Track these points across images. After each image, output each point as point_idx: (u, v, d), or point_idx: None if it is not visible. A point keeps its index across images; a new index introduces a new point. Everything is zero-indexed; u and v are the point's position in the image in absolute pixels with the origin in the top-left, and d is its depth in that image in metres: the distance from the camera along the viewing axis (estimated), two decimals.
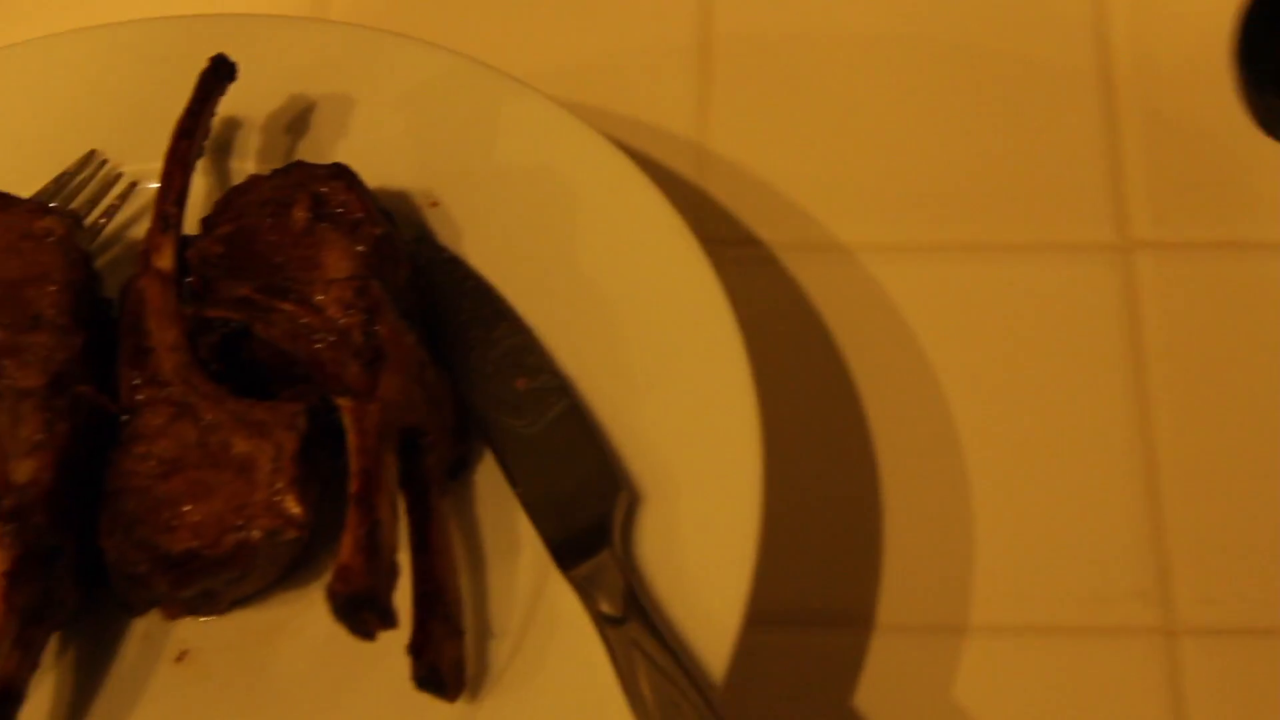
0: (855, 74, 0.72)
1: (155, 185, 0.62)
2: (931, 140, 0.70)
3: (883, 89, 0.72)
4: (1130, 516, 0.61)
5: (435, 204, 0.63)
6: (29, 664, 0.51)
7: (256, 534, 0.52)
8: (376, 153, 0.63)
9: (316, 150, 0.64)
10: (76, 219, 0.59)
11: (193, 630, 0.56)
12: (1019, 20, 0.73)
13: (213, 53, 0.64)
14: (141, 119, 0.65)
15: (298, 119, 0.65)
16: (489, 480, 0.58)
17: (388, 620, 0.50)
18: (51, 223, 0.57)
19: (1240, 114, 0.69)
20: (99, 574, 0.54)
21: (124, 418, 0.55)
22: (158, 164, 0.63)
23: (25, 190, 0.62)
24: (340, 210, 0.58)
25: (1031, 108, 0.71)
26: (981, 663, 0.59)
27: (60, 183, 0.65)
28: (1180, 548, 0.60)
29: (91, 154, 0.65)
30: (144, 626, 0.56)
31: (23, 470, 0.52)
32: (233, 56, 0.63)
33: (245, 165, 0.65)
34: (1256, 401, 0.63)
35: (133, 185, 0.65)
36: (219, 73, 0.61)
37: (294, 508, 0.52)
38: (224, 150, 0.65)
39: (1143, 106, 0.70)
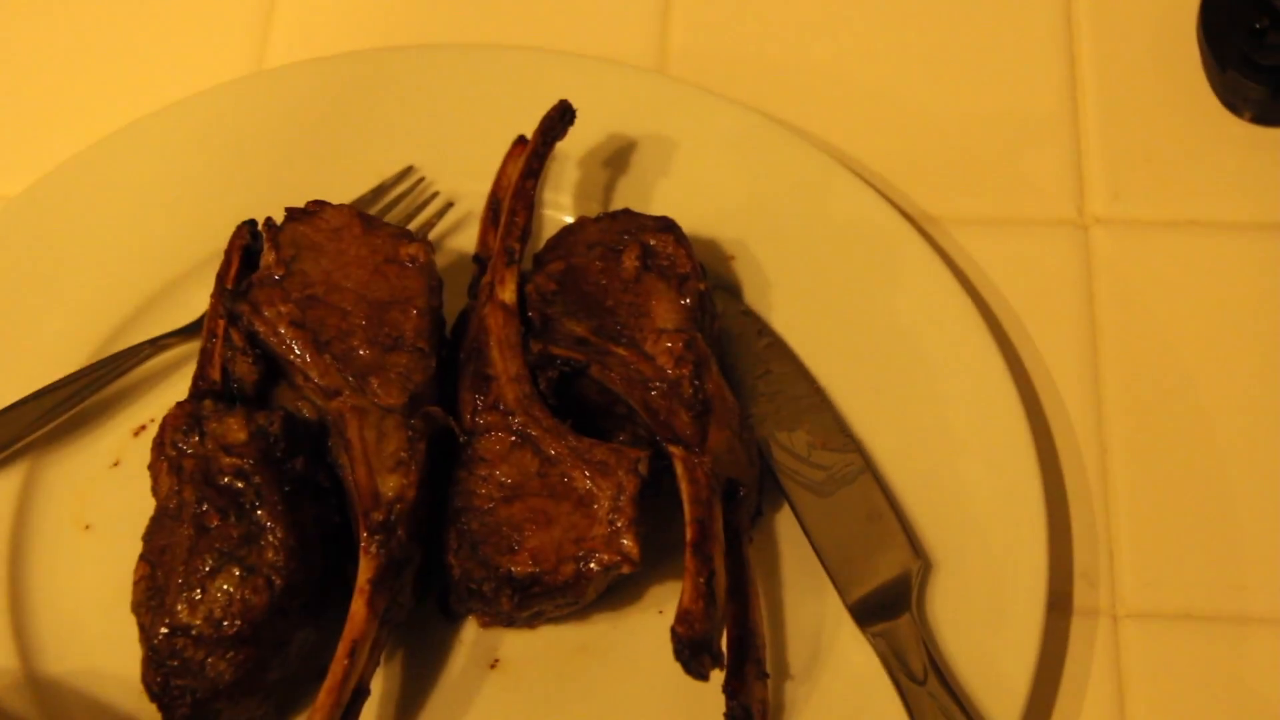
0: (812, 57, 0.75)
1: (467, 205, 0.66)
2: (892, 115, 0.73)
3: (846, 56, 0.75)
4: (1079, 498, 0.64)
5: (733, 257, 0.67)
6: (375, 663, 0.56)
7: (595, 566, 0.56)
8: (686, 202, 0.67)
9: (629, 193, 0.69)
10: (434, 245, 0.63)
11: (505, 640, 0.60)
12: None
13: (536, 86, 0.68)
14: (456, 141, 0.69)
15: (611, 160, 0.69)
16: (786, 529, 0.62)
17: (719, 662, 0.55)
18: (417, 249, 0.61)
19: (1205, 91, 0.72)
20: (430, 581, 0.59)
21: (464, 439, 0.59)
22: (470, 184, 0.67)
23: (341, 196, 0.67)
24: (667, 263, 0.62)
25: (995, 84, 0.74)
26: None
27: (379, 193, 0.69)
28: (1126, 530, 0.63)
29: (409, 169, 0.69)
30: (461, 633, 0.60)
31: (390, 485, 0.56)
32: (549, 93, 0.67)
33: (559, 199, 0.69)
34: (1206, 382, 0.66)
35: (449, 205, 0.69)
36: (563, 117, 0.65)
37: (631, 546, 0.56)
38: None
39: (1105, 80, 0.73)
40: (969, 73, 0.75)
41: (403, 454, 0.57)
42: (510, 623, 0.59)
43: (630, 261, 0.62)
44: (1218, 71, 0.72)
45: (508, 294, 0.61)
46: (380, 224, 0.62)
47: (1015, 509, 0.60)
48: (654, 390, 0.59)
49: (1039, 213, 0.71)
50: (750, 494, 0.60)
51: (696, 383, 0.59)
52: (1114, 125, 0.73)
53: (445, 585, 0.59)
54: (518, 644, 0.60)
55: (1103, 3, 0.76)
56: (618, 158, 0.69)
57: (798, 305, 0.66)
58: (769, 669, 0.58)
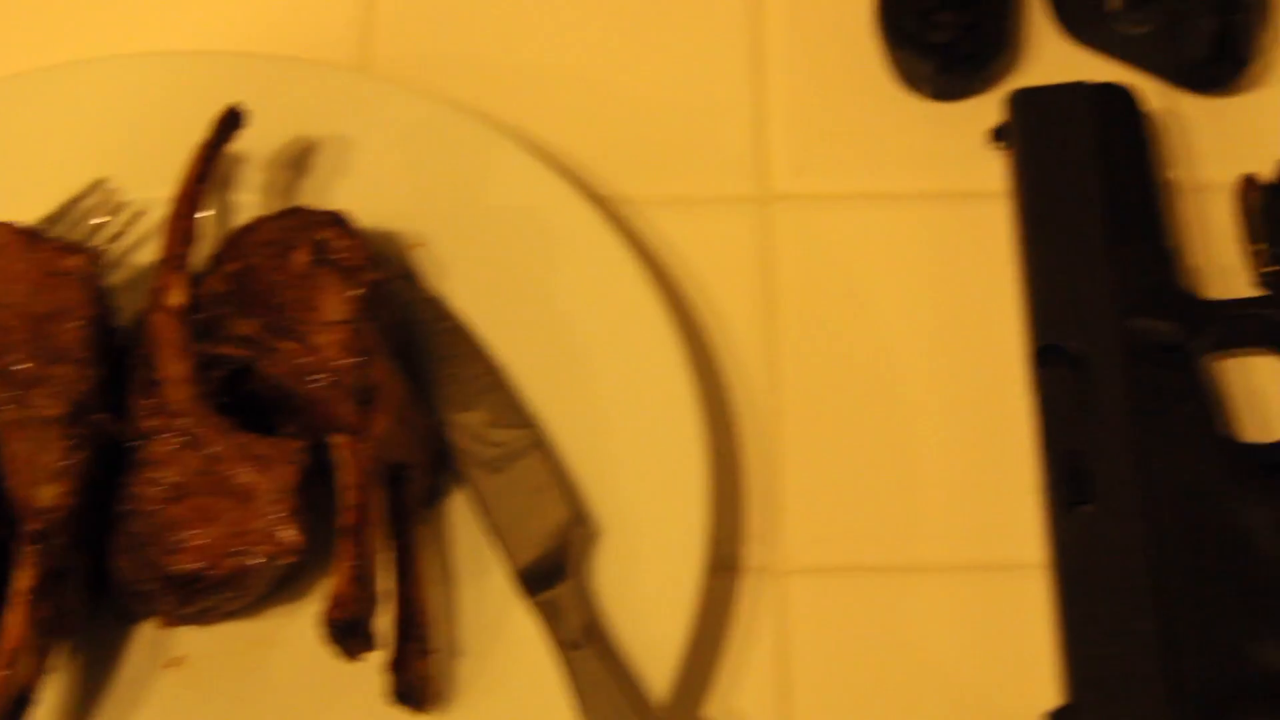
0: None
1: (160, 214, 0.68)
2: (590, 102, 0.75)
3: (545, 48, 0.77)
4: (752, 461, 0.66)
5: (420, 245, 0.69)
6: (41, 672, 0.57)
7: (256, 559, 0.58)
8: (368, 194, 0.69)
9: (313, 188, 0.70)
10: (98, 256, 0.64)
11: (187, 638, 0.62)
12: None
13: (218, 88, 0.69)
14: (147, 149, 0.70)
15: (297, 158, 0.71)
16: (462, 508, 0.64)
17: (371, 644, 0.57)
18: (78, 261, 0.62)
19: (885, 71, 0.75)
20: (104, 585, 0.60)
21: (133, 443, 0.60)
22: (163, 192, 0.69)
23: (31, 215, 0.68)
24: (339, 256, 0.64)
25: (684, 68, 0.76)
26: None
27: (66, 209, 0.70)
28: (797, 491, 0.66)
29: (98, 182, 0.70)
30: (141, 633, 0.62)
31: (46, 495, 0.57)
32: (237, 95, 0.68)
33: (242, 199, 0.70)
34: (881, 346, 0.69)
35: (138, 215, 0.70)
36: (231, 121, 0.66)
37: (291, 536, 0.58)
38: (222, 183, 0.71)
39: (790, 62, 0.76)
40: (660, 58, 0.77)
41: (61, 463, 0.58)
42: (184, 621, 0.61)
43: (300, 257, 0.64)
44: (892, 50, 0.75)
45: (173, 298, 0.63)
46: (43, 239, 0.63)
47: (679, 475, 0.62)
48: (319, 381, 0.61)
49: (725, 190, 0.74)
50: (420, 476, 0.62)
51: (361, 371, 0.61)
52: (797, 105, 0.75)
53: (118, 589, 0.60)
54: (197, 641, 0.61)
55: None
56: (304, 156, 0.71)
57: (477, 289, 0.68)
58: (442, 647, 0.60)
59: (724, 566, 0.64)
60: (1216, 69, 0.73)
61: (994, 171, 0.72)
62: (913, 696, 0.62)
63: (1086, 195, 0.68)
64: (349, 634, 0.56)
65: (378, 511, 0.59)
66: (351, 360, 0.61)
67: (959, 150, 0.74)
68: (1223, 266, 0.71)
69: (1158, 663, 0.58)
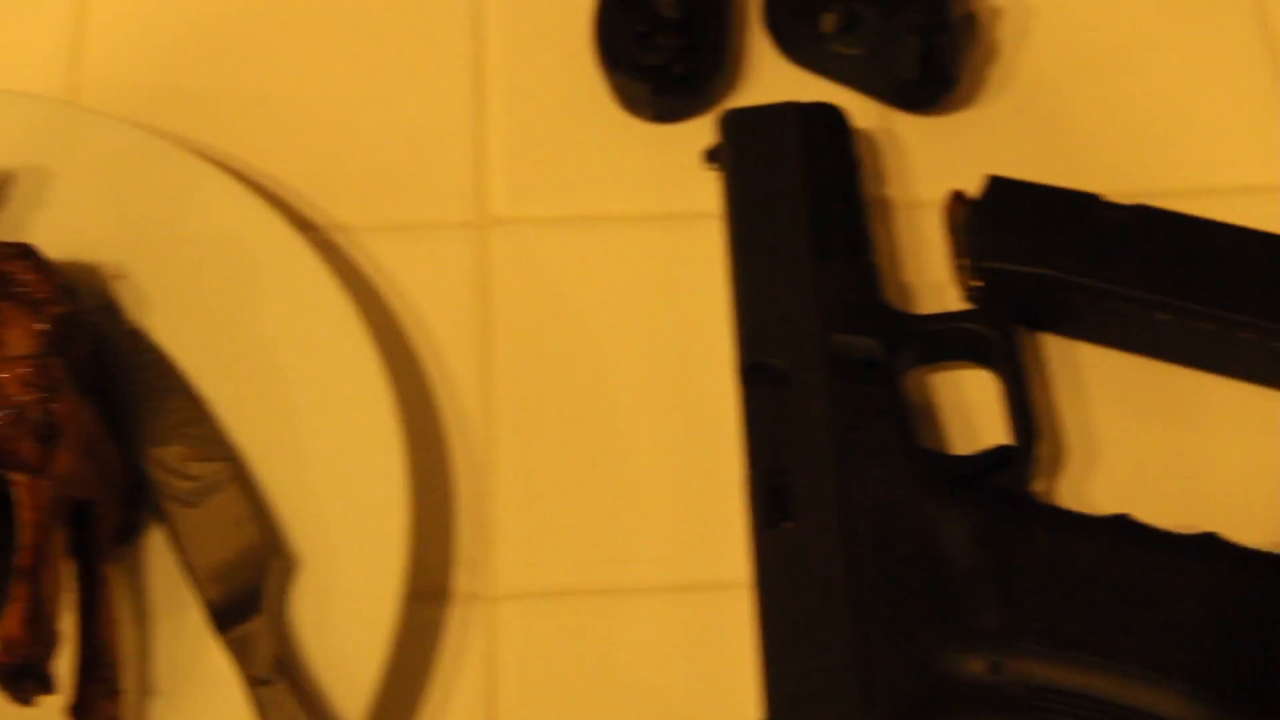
0: None
1: None
2: (309, 130, 0.75)
3: (264, 78, 0.76)
4: (464, 488, 0.66)
5: (122, 276, 0.68)
6: None
7: None
8: (69, 225, 0.68)
9: (11, 221, 0.68)
10: None
11: None
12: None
13: None
14: None
15: None
16: (159, 544, 0.62)
17: (47, 687, 0.55)
18: None
19: (606, 95, 0.75)
20: None
21: None
22: None
23: None
24: (23, 290, 0.62)
25: (407, 95, 0.76)
26: None
27: None
28: (509, 518, 0.66)
29: None
30: None
31: None
32: None
33: None
34: (597, 370, 0.69)
35: None
36: None
37: None
38: None
39: (511, 87, 0.76)
40: (379, 84, 0.76)
41: None
42: None
43: None
44: (609, 73, 0.75)
45: None
46: None
47: (379, 504, 0.62)
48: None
49: (443, 216, 0.73)
50: (111, 513, 0.60)
51: (42, 407, 0.59)
52: (518, 129, 0.75)
53: None
54: None
55: (510, 14, 0.78)
56: (2, 188, 0.69)
57: (180, 319, 0.66)
58: (133, 686, 0.59)
59: (433, 594, 0.64)
60: (925, 89, 0.74)
61: (712, 193, 0.72)
62: (620, 718, 0.62)
63: (793, 213, 0.68)
64: (21, 677, 0.54)
65: (57, 551, 0.57)
66: (34, 396, 0.59)
67: (679, 172, 0.74)
68: (934, 282, 0.72)
69: (851, 675, 0.58)
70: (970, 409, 0.69)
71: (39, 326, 0.61)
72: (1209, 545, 0.61)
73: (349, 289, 0.67)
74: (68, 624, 0.57)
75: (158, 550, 0.62)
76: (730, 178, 0.70)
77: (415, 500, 0.62)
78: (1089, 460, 0.67)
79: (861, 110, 0.75)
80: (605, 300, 0.71)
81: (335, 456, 0.63)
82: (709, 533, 0.65)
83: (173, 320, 0.67)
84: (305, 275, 0.67)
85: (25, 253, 0.63)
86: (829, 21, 0.74)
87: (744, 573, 0.63)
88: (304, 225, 0.71)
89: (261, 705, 0.57)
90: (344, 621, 0.60)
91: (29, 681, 0.54)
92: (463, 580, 0.64)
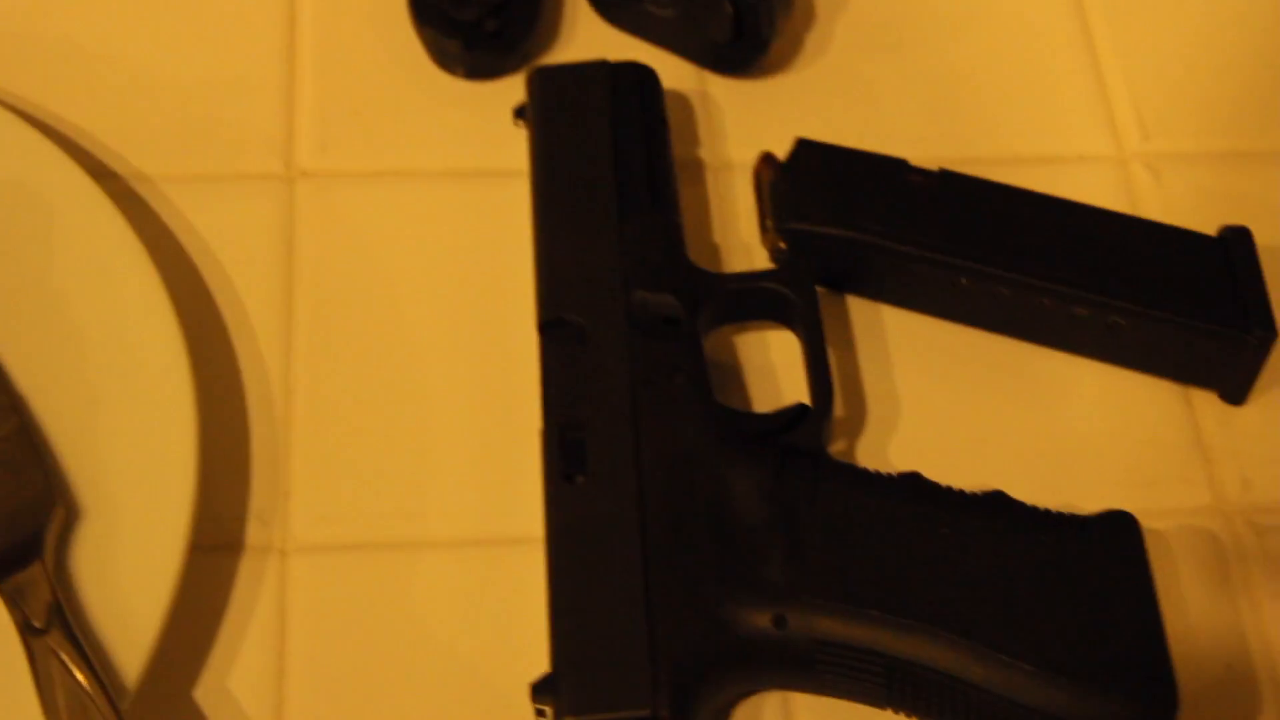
0: None
1: None
2: (116, 81, 0.73)
3: (73, 27, 0.75)
4: (261, 441, 0.66)
5: None
6: None
7: None
8: None
9: None
10: None
11: None
12: None
13: None
14: None
15: None
16: None
17: None
18: None
19: (420, 50, 0.75)
20: None
21: None
22: None
23: None
24: None
25: (216, 45, 0.75)
26: None
27: None
28: (304, 470, 0.65)
29: None
30: None
31: None
32: None
33: None
34: (399, 323, 0.69)
35: None
36: None
37: None
38: None
39: (323, 39, 0.76)
40: (190, 33, 0.75)
41: None
42: None
43: None
44: (420, 28, 0.74)
45: None
46: None
47: (167, 457, 0.61)
48: None
49: (249, 168, 0.72)
50: None
51: None
52: (328, 83, 0.75)
53: None
54: None
55: None
56: None
57: None
58: None
59: (225, 547, 0.63)
60: (738, 51, 0.75)
61: (522, 150, 0.72)
62: (410, 673, 0.62)
63: (598, 170, 0.68)
64: None
65: None
66: None
67: (490, 129, 0.74)
68: (744, 244, 0.72)
69: (638, 628, 0.58)
70: (775, 370, 0.69)
71: None
72: (995, 504, 0.61)
73: (148, 239, 0.67)
74: None
75: None
76: (537, 134, 0.70)
77: (205, 451, 0.62)
78: (889, 421, 0.68)
79: (676, 72, 0.75)
80: (411, 255, 0.71)
81: (125, 407, 0.62)
82: (507, 489, 0.65)
83: None
84: (100, 223, 0.66)
85: None
86: None
87: (540, 528, 0.63)
88: (104, 174, 0.70)
89: (34, 654, 0.56)
90: (127, 572, 0.59)
91: None
92: (256, 533, 0.64)
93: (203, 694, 0.60)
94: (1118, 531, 0.61)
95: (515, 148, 0.72)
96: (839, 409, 0.67)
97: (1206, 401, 0.69)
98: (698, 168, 0.74)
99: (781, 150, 0.71)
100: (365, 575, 0.63)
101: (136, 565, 0.59)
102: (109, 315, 0.64)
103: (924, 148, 0.73)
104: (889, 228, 0.68)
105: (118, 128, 0.72)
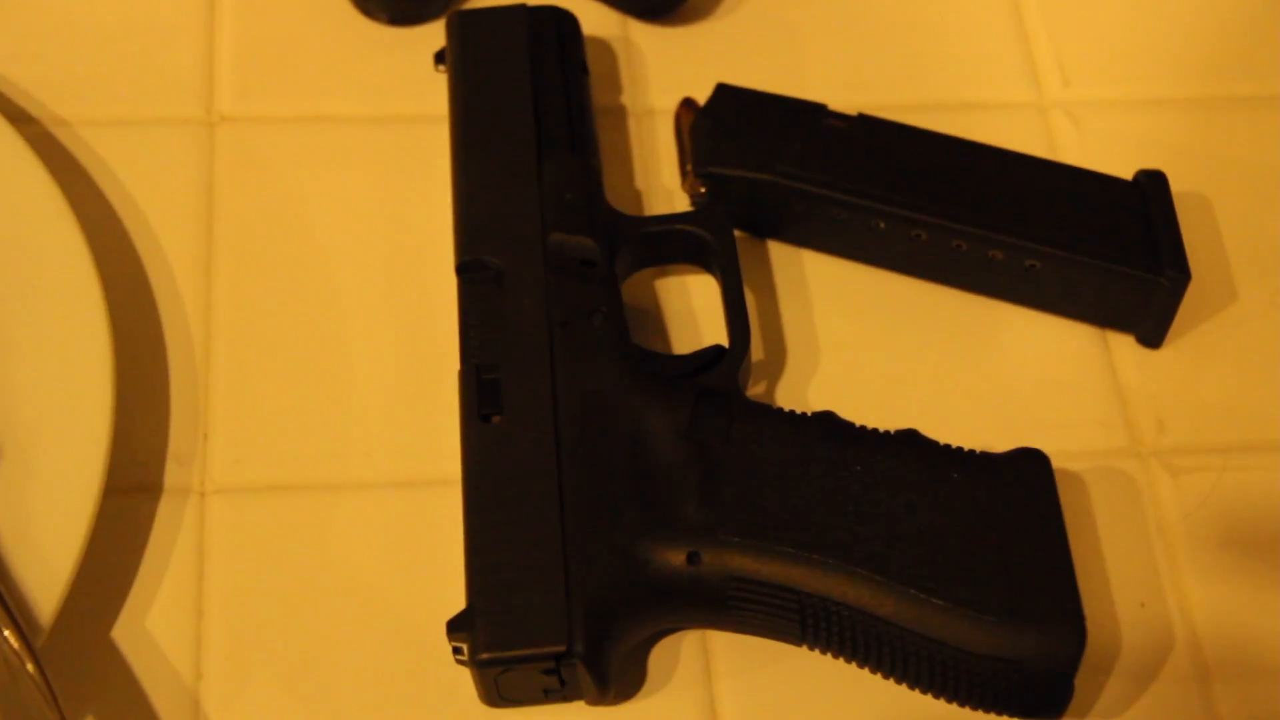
0: None
1: None
2: (30, 21, 0.73)
3: None
4: (180, 383, 0.65)
5: None
6: None
7: None
8: None
9: None
10: None
11: None
12: None
13: None
14: None
15: None
16: None
17: None
18: None
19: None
20: None
21: None
22: None
23: None
24: None
25: None
26: None
27: None
28: (223, 412, 0.65)
29: None
30: None
31: None
32: None
33: None
34: (317, 272, 0.68)
35: None
36: None
37: None
38: None
39: None
40: None
41: None
42: None
43: None
44: None
45: None
46: None
47: (82, 398, 0.61)
48: None
49: (169, 113, 0.72)
50: None
51: None
52: (249, 27, 0.75)
53: None
54: None
55: None
56: None
57: None
58: None
59: (143, 488, 0.63)
60: None
61: (443, 96, 0.72)
62: (329, 613, 0.62)
63: (517, 113, 0.68)
64: None
65: None
66: None
67: (412, 75, 0.74)
68: (666, 189, 0.73)
69: (554, 565, 0.59)
70: (695, 314, 0.70)
71: None
72: (908, 441, 0.62)
73: (66, 183, 0.67)
74: None
75: None
76: (456, 78, 0.70)
77: (123, 394, 0.62)
78: (808, 365, 0.69)
79: (599, 18, 0.76)
80: (331, 200, 0.71)
81: (41, 350, 0.62)
82: (426, 430, 0.66)
83: None
84: (16, 168, 0.65)
85: None
86: None
87: (459, 469, 0.63)
88: (21, 118, 0.70)
89: None
90: (42, 513, 0.59)
91: None
92: (174, 474, 0.64)
93: (121, 634, 0.60)
94: (1029, 469, 0.61)
95: (436, 93, 0.72)
96: (758, 352, 0.68)
97: (1124, 345, 0.70)
98: (620, 114, 0.74)
99: (703, 96, 0.71)
100: (285, 517, 0.64)
101: (51, 506, 0.59)
102: (25, 259, 0.64)
103: (846, 94, 0.73)
104: (806, 171, 0.69)
105: (34, 71, 0.72)
